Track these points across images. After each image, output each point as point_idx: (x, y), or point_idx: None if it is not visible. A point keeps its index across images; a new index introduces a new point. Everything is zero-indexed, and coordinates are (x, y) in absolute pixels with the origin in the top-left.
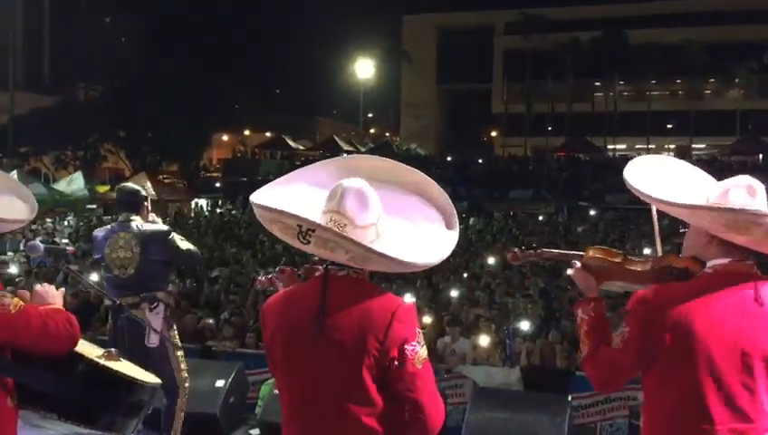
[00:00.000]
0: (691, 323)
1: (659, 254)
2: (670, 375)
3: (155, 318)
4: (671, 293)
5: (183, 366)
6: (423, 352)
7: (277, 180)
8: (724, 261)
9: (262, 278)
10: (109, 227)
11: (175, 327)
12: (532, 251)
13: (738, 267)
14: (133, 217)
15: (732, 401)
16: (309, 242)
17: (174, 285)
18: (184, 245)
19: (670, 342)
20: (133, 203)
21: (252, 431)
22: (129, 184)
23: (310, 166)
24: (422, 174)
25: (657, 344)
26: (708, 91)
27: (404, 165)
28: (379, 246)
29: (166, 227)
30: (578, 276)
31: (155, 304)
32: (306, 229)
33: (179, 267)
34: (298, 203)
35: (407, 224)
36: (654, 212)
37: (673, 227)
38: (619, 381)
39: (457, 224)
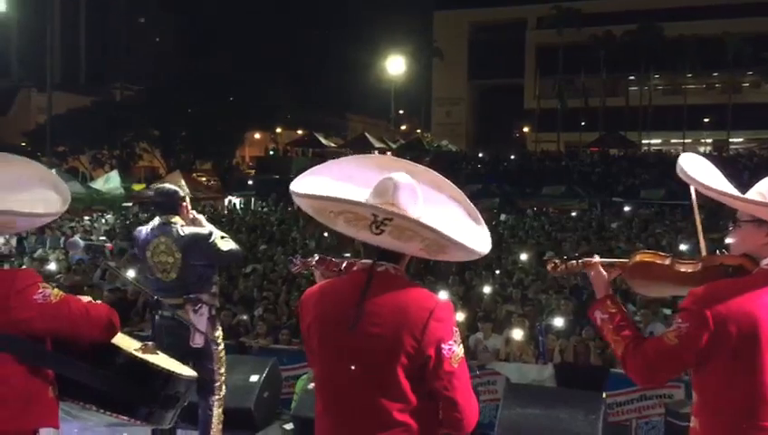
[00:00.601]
0: (756, 320)
1: (703, 250)
2: (733, 373)
3: (199, 319)
4: (731, 289)
5: (223, 369)
6: (459, 350)
7: (306, 175)
8: None
9: (297, 261)
10: (149, 228)
11: (219, 328)
12: (574, 262)
13: None
14: (173, 220)
15: None
16: (382, 232)
17: (217, 286)
18: (225, 246)
19: (734, 339)
20: (170, 205)
21: (286, 426)
22: (166, 185)
23: (337, 161)
24: (435, 172)
25: (718, 342)
26: (746, 84)
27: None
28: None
29: (206, 231)
30: (593, 274)
31: (198, 306)
32: (383, 219)
33: (222, 267)
34: (348, 195)
35: (443, 217)
36: (695, 209)
37: (709, 223)
38: (669, 376)
39: (482, 219)
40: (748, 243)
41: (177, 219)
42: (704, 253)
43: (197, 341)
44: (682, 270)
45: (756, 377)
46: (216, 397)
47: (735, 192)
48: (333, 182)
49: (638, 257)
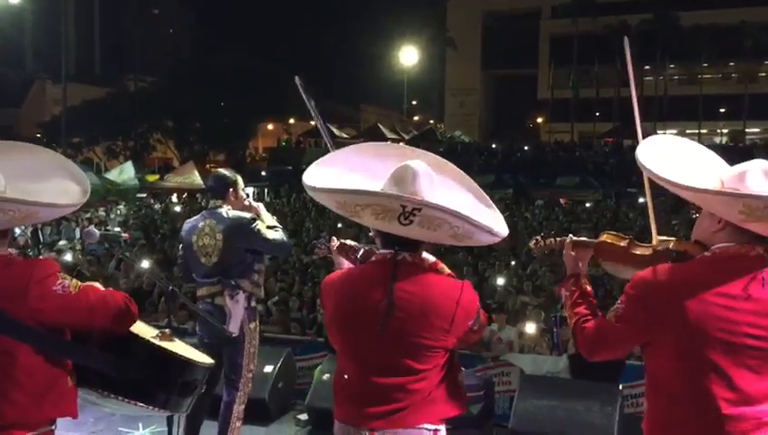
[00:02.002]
0: (685, 304)
1: (654, 237)
2: (665, 357)
3: (235, 305)
4: (667, 273)
5: (252, 366)
6: (483, 316)
7: (316, 166)
8: (726, 244)
9: (322, 245)
10: (198, 215)
11: (257, 321)
12: (552, 240)
13: (739, 250)
14: (220, 204)
15: (732, 383)
16: (411, 222)
17: (260, 275)
18: (271, 234)
19: (663, 321)
20: (218, 189)
21: (300, 416)
22: (220, 170)
23: (342, 151)
24: (434, 155)
25: (649, 323)
26: (763, 74)
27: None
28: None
29: (249, 215)
30: (564, 253)
31: (236, 292)
32: (412, 209)
33: (270, 256)
34: (369, 186)
35: (461, 202)
36: (648, 196)
37: (668, 207)
38: (611, 354)
39: (492, 202)
40: (702, 229)
41: (225, 205)
42: (654, 236)
43: (231, 328)
44: (635, 252)
45: (688, 360)
46: (240, 393)
47: (686, 181)
48: (348, 174)
49: (601, 238)
